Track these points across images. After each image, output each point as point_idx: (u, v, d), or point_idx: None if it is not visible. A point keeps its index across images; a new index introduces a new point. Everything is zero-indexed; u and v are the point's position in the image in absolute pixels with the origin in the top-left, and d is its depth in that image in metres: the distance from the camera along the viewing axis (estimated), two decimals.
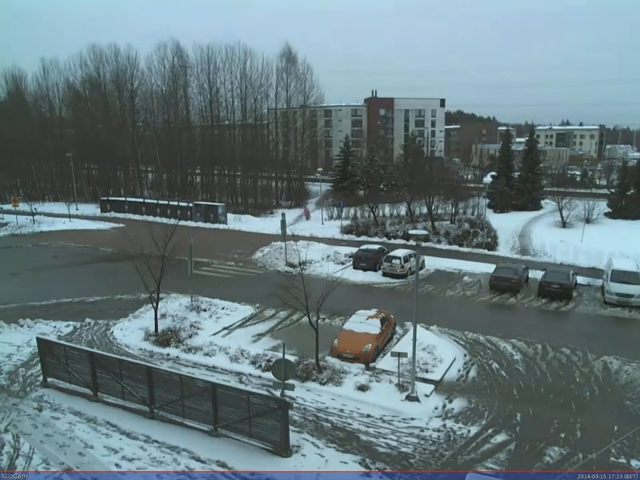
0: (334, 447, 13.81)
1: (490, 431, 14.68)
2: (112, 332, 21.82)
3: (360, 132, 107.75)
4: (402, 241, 39.79)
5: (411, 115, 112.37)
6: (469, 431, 14.64)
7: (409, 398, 16.13)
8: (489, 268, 30.04)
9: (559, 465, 13.08)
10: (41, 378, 17.51)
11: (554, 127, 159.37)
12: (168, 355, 19.69)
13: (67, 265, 34.64)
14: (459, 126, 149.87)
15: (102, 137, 67.61)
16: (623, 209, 51.14)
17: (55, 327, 22.33)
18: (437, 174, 57.43)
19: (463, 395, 16.81)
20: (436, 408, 15.93)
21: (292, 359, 17.11)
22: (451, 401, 16.39)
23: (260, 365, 18.36)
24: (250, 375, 18.01)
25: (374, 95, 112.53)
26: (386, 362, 18.64)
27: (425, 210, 47.17)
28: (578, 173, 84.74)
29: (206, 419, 14.43)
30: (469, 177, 79.08)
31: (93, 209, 57.74)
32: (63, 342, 18.11)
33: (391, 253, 31.88)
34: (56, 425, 14.83)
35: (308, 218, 54.24)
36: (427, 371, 18.09)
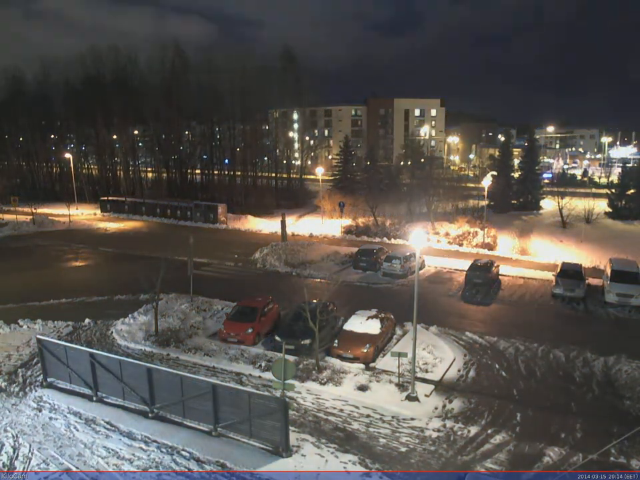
0: (334, 447, 13.82)
1: (490, 431, 14.69)
2: (112, 332, 21.83)
3: (360, 132, 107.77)
4: (402, 241, 39.82)
5: (411, 115, 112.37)
6: (468, 431, 14.64)
7: (408, 398, 16.13)
8: None
9: (558, 465, 13.08)
10: (40, 378, 17.53)
11: (554, 127, 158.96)
12: (168, 355, 19.67)
13: (67, 265, 34.66)
14: (459, 126, 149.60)
15: (102, 136, 67.58)
16: (622, 209, 51.08)
17: (54, 326, 22.36)
18: (437, 174, 57.43)
19: (462, 395, 16.81)
20: (436, 408, 15.92)
21: (292, 358, 17.12)
22: (450, 401, 16.38)
23: (260, 365, 18.38)
24: (250, 375, 18.02)
25: (374, 95, 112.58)
26: (386, 362, 18.64)
27: (425, 210, 47.14)
28: (578, 172, 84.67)
29: (206, 419, 14.45)
30: (469, 176, 79.05)
31: (92, 209, 57.82)
32: (63, 342, 18.08)
33: (391, 253, 31.89)
34: (56, 425, 14.85)
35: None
36: (426, 371, 18.10)
